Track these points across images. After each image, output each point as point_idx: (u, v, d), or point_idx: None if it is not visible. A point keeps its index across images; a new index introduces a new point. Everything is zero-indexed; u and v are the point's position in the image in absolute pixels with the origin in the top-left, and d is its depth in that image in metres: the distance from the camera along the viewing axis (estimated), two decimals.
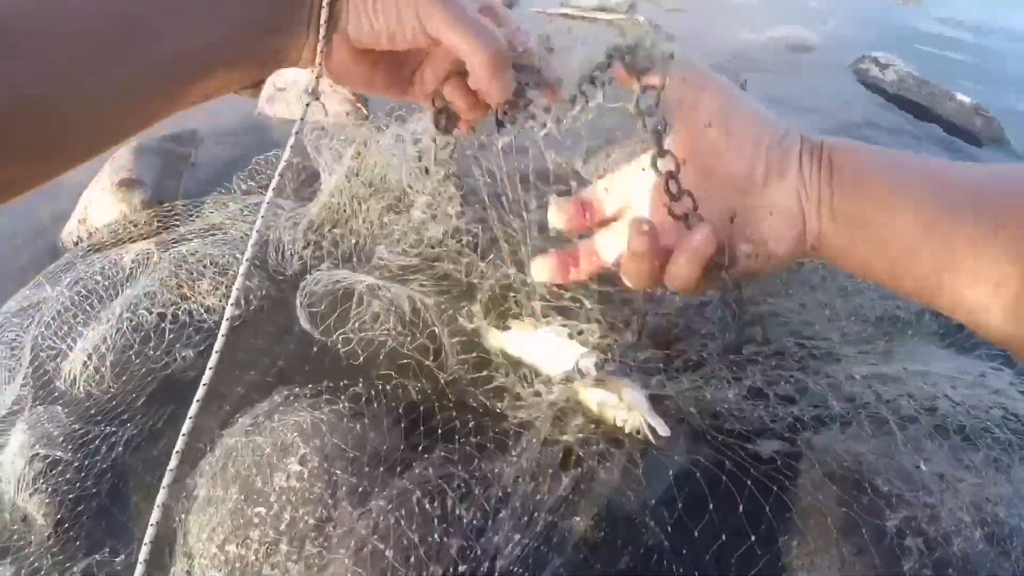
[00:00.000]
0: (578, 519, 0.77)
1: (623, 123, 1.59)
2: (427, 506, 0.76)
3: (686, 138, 0.61)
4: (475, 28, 0.58)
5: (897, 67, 1.85)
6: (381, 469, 0.81)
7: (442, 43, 0.59)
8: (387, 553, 0.72)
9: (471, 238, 1.13)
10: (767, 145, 0.59)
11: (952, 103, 1.70)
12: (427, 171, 1.11)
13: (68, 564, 0.82)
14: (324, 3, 0.58)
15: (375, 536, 0.73)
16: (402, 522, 0.74)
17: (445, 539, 0.74)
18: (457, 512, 0.76)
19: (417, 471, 0.80)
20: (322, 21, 0.58)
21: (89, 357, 1.03)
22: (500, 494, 0.78)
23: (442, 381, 0.94)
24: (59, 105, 0.48)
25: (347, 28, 0.60)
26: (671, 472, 0.81)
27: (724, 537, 0.74)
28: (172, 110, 0.58)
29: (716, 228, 0.58)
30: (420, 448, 0.84)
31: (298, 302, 1.05)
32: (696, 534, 0.75)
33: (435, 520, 0.75)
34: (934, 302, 0.54)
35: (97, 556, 0.83)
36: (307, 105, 0.62)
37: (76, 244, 1.35)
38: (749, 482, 0.76)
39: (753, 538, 0.74)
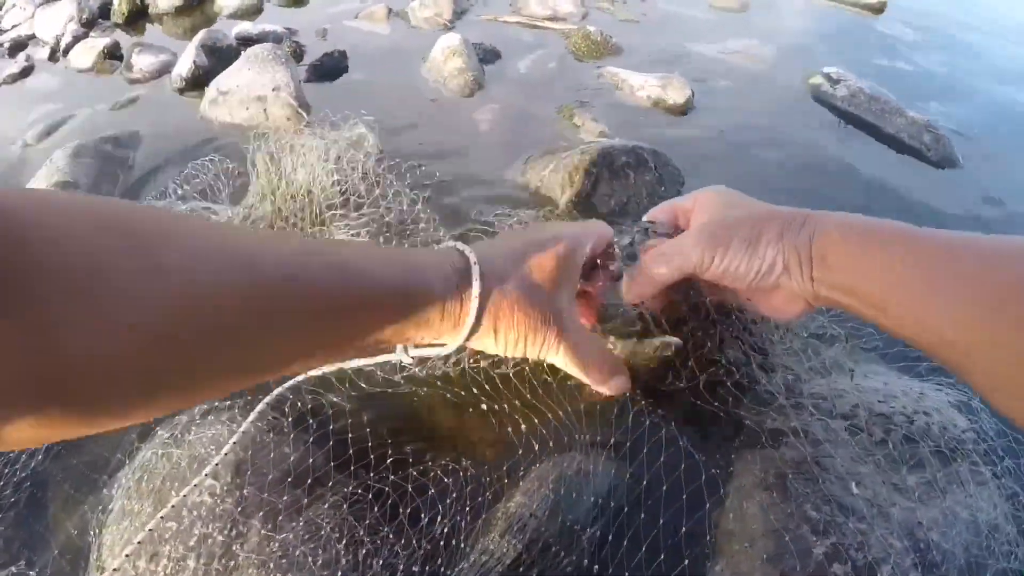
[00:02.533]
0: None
1: (564, 131, 1.59)
2: (340, 531, 0.74)
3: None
4: (587, 368, 0.72)
5: (849, 83, 1.85)
6: (300, 489, 0.79)
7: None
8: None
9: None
10: (764, 252, 0.68)
11: (902, 119, 1.70)
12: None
13: None
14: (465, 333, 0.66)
15: (283, 559, 0.72)
16: (311, 544, 0.73)
17: (354, 558, 0.72)
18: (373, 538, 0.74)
19: (334, 495, 0.78)
20: (463, 340, 0.67)
21: None
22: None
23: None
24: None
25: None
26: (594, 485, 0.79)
27: (643, 550, 0.72)
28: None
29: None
30: (345, 469, 0.81)
31: None
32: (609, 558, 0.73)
33: (346, 544, 0.73)
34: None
35: (13, 568, 0.81)
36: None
37: None
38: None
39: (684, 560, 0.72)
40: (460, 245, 0.68)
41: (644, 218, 0.83)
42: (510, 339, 0.68)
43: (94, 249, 0.43)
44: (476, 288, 0.65)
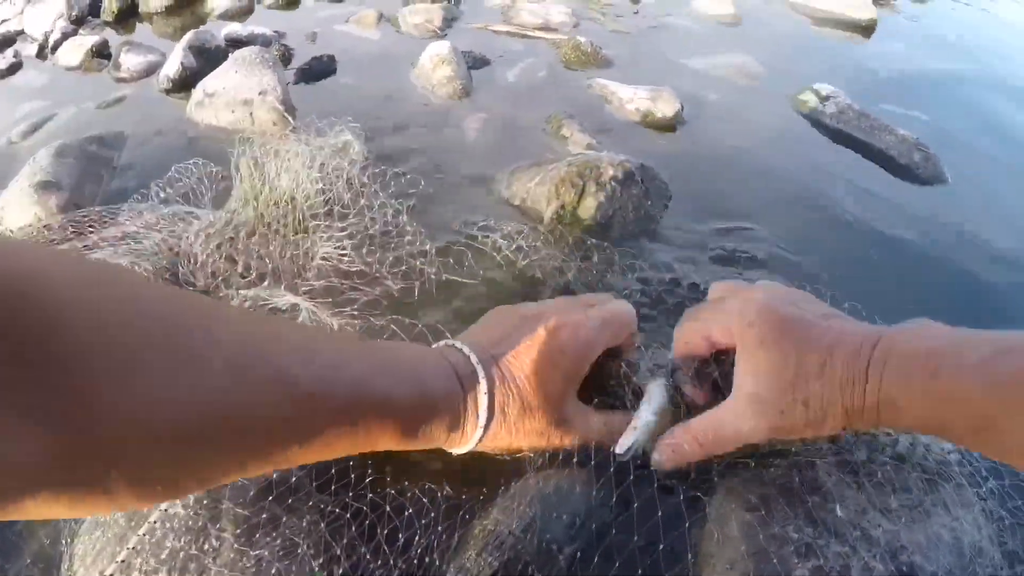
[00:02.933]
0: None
1: (551, 142, 1.58)
2: (316, 549, 0.73)
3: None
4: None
5: (838, 99, 1.85)
6: (270, 500, 0.77)
7: None
8: None
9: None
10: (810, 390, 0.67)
11: (891, 137, 1.70)
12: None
13: None
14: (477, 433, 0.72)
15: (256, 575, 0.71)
16: (286, 561, 0.71)
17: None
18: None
19: (311, 514, 0.77)
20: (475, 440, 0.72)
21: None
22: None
23: None
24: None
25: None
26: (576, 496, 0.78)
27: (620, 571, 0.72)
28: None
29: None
30: (324, 489, 0.80)
31: None
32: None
33: (323, 563, 0.72)
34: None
35: None
36: None
37: None
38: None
39: None
40: (466, 349, 0.72)
41: (672, 354, 0.82)
42: (516, 439, 0.73)
43: (134, 339, 0.46)
44: (483, 401, 0.69)
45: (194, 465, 0.51)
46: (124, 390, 0.43)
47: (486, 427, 0.70)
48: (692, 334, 0.79)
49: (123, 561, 0.72)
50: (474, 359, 0.70)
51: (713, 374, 0.79)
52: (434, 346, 0.77)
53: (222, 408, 0.50)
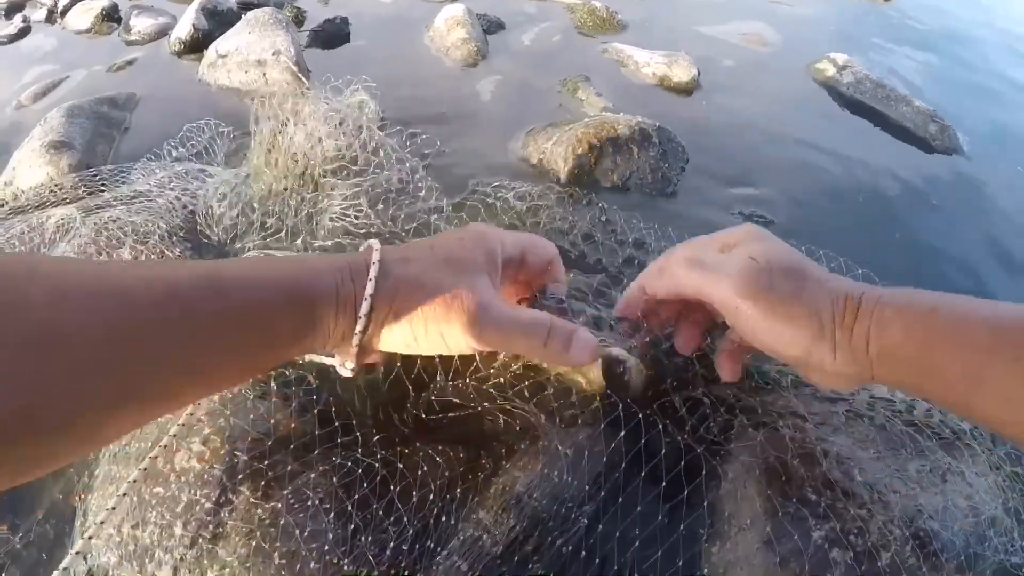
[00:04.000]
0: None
1: (567, 104, 1.57)
2: (329, 503, 0.72)
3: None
4: (530, 342, 0.65)
5: (855, 69, 1.83)
6: (289, 456, 0.77)
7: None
8: (277, 545, 0.69)
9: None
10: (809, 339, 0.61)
11: (907, 108, 1.69)
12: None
13: None
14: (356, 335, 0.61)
15: (271, 527, 0.70)
16: (300, 514, 0.71)
17: (343, 532, 0.70)
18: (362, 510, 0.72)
19: (324, 465, 0.76)
20: (355, 346, 0.62)
21: None
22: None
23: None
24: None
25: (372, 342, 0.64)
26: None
27: (638, 529, 0.71)
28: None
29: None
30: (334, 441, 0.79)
31: None
32: (608, 534, 0.71)
33: (335, 516, 0.71)
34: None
35: None
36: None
37: (1, 206, 1.30)
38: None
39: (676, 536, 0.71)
40: (371, 242, 0.64)
41: (619, 302, 0.76)
42: (417, 327, 0.62)
43: None
44: (373, 271, 0.60)
45: (39, 414, 0.44)
46: None
47: (374, 304, 0.60)
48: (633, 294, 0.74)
49: (124, 495, 0.71)
50: (373, 243, 0.64)
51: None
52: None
53: (53, 340, 0.44)
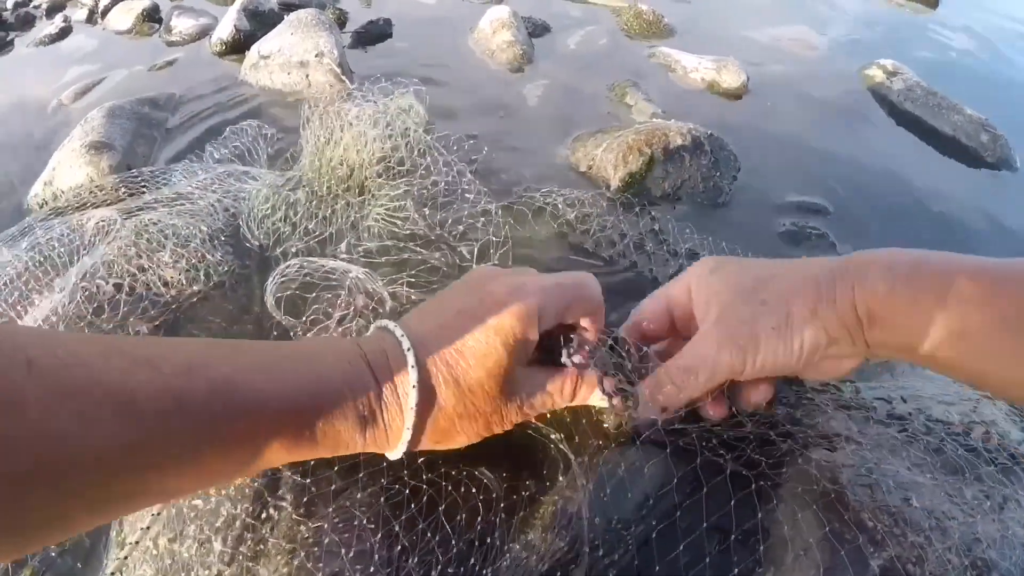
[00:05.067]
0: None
1: (615, 110, 1.54)
2: (375, 523, 0.69)
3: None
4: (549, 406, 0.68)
5: (906, 75, 1.79)
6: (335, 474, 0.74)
7: None
8: (320, 565, 0.66)
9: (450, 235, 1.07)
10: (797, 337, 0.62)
11: (959, 117, 1.64)
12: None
13: None
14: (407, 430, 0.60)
15: (314, 547, 0.67)
16: (345, 534, 0.68)
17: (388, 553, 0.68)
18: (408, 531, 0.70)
19: (372, 486, 0.73)
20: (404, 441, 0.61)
21: (39, 327, 0.96)
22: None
23: None
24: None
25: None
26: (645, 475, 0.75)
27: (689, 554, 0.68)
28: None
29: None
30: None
31: (269, 292, 0.97)
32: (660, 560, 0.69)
33: (382, 538, 0.69)
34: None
35: None
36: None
37: (41, 207, 1.29)
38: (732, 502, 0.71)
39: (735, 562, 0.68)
40: (398, 331, 0.61)
41: (632, 316, 0.74)
42: (458, 439, 0.64)
43: None
44: (411, 407, 0.59)
45: (29, 514, 0.43)
46: None
47: (418, 418, 0.59)
48: (649, 300, 0.73)
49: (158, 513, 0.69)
50: (405, 343, 0.60)
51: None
52: (371, 329, 0.67)
53: (46, 446, 0.42)
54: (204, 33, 1.96)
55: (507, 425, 0.65)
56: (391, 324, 0.62)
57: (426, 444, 0.63)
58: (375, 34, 1.90)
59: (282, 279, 0.96)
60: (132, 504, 0.52)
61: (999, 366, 0.55)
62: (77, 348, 0.46)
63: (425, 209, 1.08)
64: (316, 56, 1.58)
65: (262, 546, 0.69)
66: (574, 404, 0.71)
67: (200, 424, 0.49)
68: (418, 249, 1.04)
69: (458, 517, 0.70)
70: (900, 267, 0.59)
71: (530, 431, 0.76)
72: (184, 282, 1.02)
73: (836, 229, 1.25)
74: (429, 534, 0.69)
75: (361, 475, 0.72)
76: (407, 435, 0.59)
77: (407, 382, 0.58)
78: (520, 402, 0.64)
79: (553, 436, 0.77)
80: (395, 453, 0.61)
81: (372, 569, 0.66)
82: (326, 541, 0.67)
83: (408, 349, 0.59)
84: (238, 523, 0.70)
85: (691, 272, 0.69)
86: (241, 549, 0.69)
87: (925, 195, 1.41)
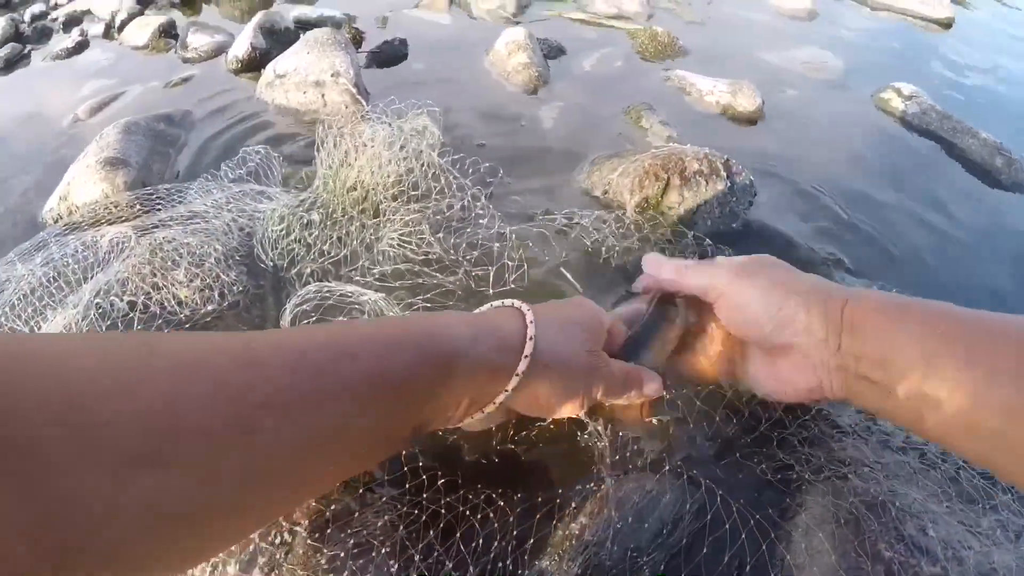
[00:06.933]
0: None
1: (631, 133, 1.54)
2: (392, 550, 0.69)
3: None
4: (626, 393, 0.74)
5: (920, 99, 1.79)
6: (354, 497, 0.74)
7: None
8: None
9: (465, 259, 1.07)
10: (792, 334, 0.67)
11: (974, 140, 1.64)
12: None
13: None
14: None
15: (330, 574, 0.67)
16: (361, 561, 0.68)
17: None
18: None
19: (389, 514, 0.73)
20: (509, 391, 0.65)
21: None
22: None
23: None
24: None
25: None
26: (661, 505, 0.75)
27: None
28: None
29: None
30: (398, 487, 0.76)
31: (286, 317, 0.97)
32: None
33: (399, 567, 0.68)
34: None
35: None
36: None
37: (56, 221, 1.29)
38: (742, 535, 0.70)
39: None
40: (518, 304, 0.70)
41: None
42: (549, 401, 0.68)
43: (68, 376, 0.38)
44: (531, 330, 0.65)
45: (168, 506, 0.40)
46: (71, 436, 0.36)
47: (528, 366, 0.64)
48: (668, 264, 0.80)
49: None
50: (525, 308, 0.68)
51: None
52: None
53: (168, 422, 0.40)
54: (220, 50, 1.96)
55: (588, 389, 0.70)
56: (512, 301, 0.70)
57: (521, 400, 0.67)
58: (391, 54, 1.90)
59: (300, 306, 0.96)
60: (262, 492, 0.49)
61: (964, 409, 0.55)
62: (187, 335, 0.48)
63: (439, 233, 1.08)
64: (332, 76, 1.58)
65: (275, 572, 0.69)
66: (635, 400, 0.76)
67: (323, 372, 0.50)
68: (433, 272, 1.04)
69: (473, 544, 0.70)
70: (894, 298, 0.65)
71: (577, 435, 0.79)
72: (198, 301, 1.02)
73: (852, 254, 1.25)
74: (445, 559, 0.69)
75: (383, 500, 0.72)
76: (524, 364, 0.64)
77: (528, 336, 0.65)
78: (599, 374, 0.70)
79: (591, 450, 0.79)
80: (500, 397, 0.64)
81: None
82: (344, 570, 0.67)
83: (531, 318, 0.66)
84: (251, 547, 0.70)
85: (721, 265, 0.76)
86: (254, 574, 0.69)
87: (940, 219, 1.41)
